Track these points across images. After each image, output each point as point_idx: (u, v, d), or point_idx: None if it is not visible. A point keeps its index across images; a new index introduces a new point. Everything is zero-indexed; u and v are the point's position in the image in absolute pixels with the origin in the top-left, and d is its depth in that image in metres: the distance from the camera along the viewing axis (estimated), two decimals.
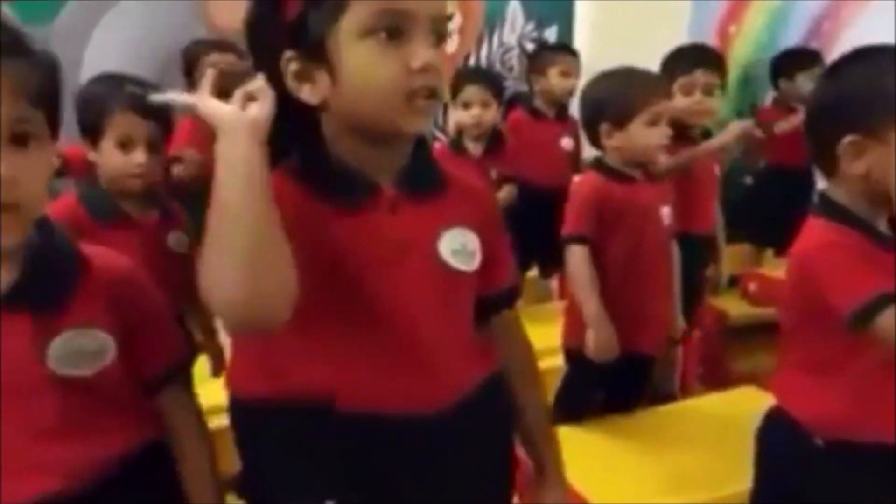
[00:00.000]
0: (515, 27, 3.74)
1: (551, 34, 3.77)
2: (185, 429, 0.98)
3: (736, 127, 2.24)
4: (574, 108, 2.72)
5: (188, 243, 1.68)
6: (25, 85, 0.78)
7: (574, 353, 1.84)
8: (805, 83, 3.16)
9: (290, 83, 0.85)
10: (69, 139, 1.37)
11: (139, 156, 1.56)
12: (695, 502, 1.56)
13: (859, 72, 1.15)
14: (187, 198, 1.77)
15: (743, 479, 1.35)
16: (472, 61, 3.63)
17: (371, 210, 0.88)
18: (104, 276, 0.88)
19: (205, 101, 0.79)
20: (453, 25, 3.39)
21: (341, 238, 0.86)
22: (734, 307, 2.89)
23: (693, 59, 2.28)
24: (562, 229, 1.79)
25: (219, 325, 1.90)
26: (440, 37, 0.85)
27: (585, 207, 1.76)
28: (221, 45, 2.63)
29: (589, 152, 2.07)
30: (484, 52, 3.67)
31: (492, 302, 1.01)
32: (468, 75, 2.82)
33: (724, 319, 2.85)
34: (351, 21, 0.81)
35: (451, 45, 3.51)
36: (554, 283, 3.17)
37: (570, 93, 3.07)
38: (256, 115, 0.76)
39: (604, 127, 1.79)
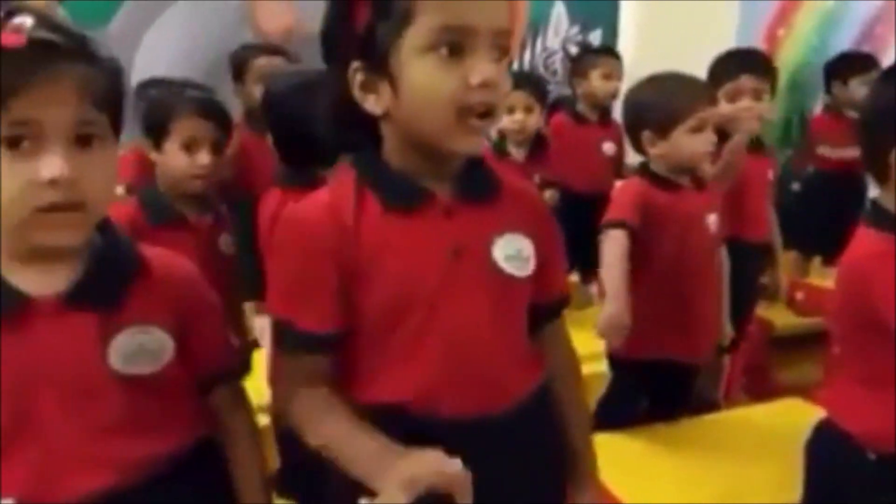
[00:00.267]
0: (559, 31, 3.73)
1: (596, 37, 3.75)
2: (238, 429, 0.99)
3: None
4: (617, 113, 2.70)
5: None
6: (90, 88, 0.79)
7: (618, 361, 1.82)
8: (859, 88, 3.05)
9: (356, 93, 0.87)
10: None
11: (203, 157, 1.64)
12: None
13: None
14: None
15: (788, 493, 1.33)
16: (515, 65, 3.63)
17: (425, 215, 0.89)
18: (163, 277, 0.90)
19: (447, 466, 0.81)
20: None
21: (399, 243, 0.87)
22: (780, 317, 2.83)
23: (739, 64, 2.23)
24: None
25: (253, 324, 1.94)
26: (503, 51, 0.85)
27: (629, 201, 1.73)
28: (269, 49, 2.68)
29: (634, 158, 2.04)
30: (528, 56, 3.67)
31: (546, 310, 1.01)
32: (511, 80, 2.82)
33: (769, 329, 2.80)
34: (414, 36, 0.82)
35: None
36: (594, 288, 3.15)
37: (613, 95, 3.06)
38: None
39: (646, 135, 1.76)
